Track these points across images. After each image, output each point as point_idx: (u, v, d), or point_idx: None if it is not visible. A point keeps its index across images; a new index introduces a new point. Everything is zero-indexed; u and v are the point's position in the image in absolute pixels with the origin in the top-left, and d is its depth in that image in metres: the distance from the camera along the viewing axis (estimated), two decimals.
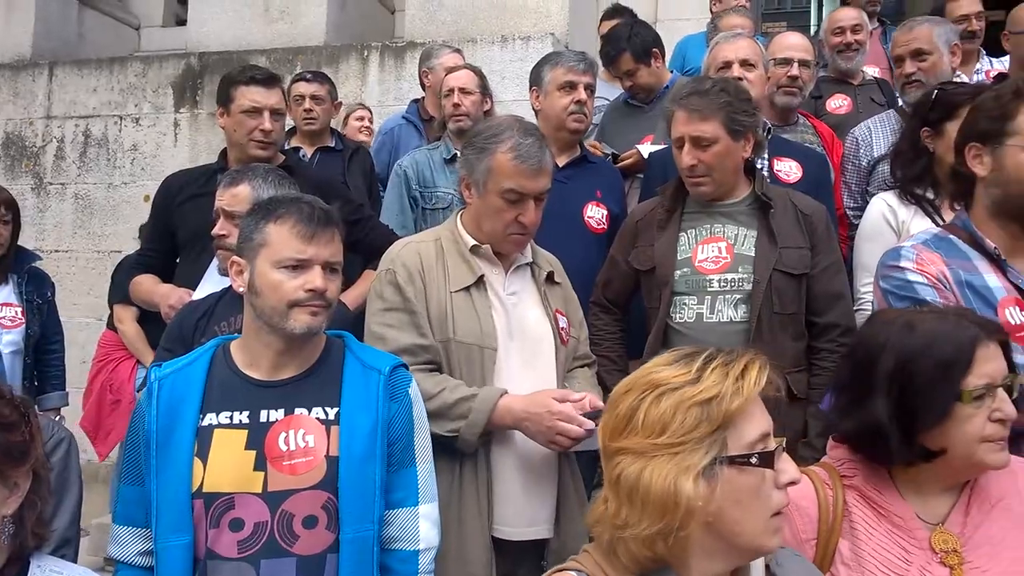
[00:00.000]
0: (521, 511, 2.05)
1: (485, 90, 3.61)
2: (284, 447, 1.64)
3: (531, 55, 4.47)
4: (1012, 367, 1.50)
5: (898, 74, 3.32)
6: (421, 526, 1.72)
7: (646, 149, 3.20)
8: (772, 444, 1.22)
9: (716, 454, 1.19)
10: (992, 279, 1.89)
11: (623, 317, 2.64)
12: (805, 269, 2.32)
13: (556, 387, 2.11)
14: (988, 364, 1.44)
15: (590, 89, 3.01)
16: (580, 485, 2.18)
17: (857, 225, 2.94)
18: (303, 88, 3.97)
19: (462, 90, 3.50)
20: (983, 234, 1.92)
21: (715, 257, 2.35)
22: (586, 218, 2.88)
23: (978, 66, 4.06)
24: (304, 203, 1.74)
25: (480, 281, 2.10)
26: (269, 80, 2.90)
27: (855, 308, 2.69)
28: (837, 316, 2.34)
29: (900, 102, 3.41)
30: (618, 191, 3.08)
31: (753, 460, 1.19)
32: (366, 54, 5.35)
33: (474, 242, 2.15)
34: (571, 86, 2.96)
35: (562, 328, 2.19)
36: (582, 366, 2.30)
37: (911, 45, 3.24)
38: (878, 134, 3.27)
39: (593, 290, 2.63)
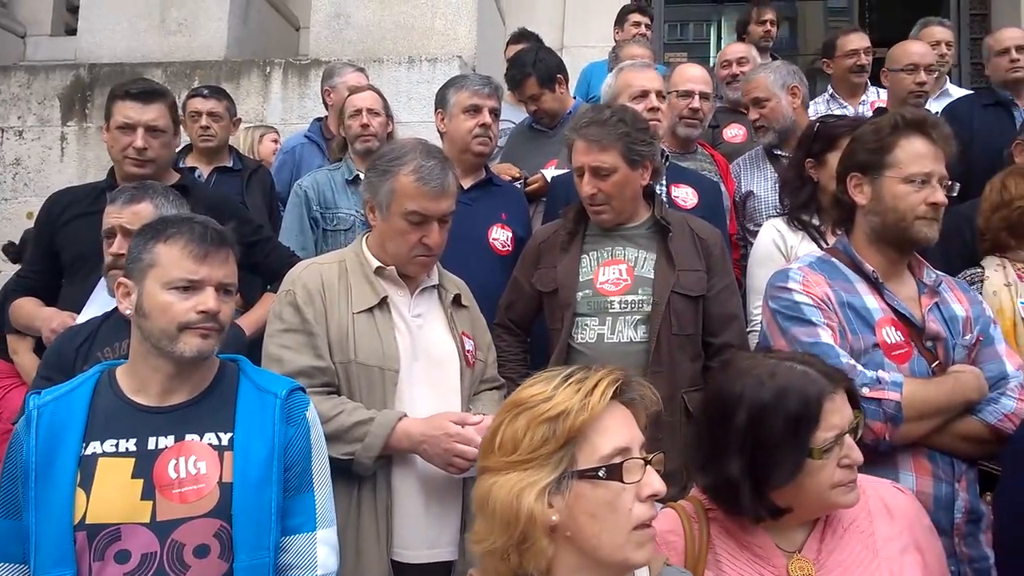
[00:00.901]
0: (422, 534, 2.03)
1: (387, 111, 3.59)
2: (174, 475, 1.59)
3: (438, 77, 4.47)
4: (855, 404, 1.56)
5: (750, 119, 3.55)
6: (319, 552, 1.69)
7: (550, 173, 3.26)
8: (636, 457, 1.25)
9: (565, 469, 1.23)
10: (871, 300, 2.00)
11: (526, 339, 2.67)
12: (702, 291, 2.40)
13: (460, 410, 2.11)
14: (835, 416, 1.47)
15: (495, 113, 3.04)
16: None
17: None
18: (199, 104, 3.83)
19: (370, 111, 3.47)
20: (863, 258, 2.04)
21: (616, 279, 2.40)
22: (491, 240, 2.91)
23: (864, 97, 4.33)
24: (196, 223, 1.71)
25: (384, 302, 2.09)
26: (146, 95, 2.76)
27: (748, 329, 2.82)
28: (731, 336, 2.43)
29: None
30: (523, 214, 3.12)
31: (601, 474, 1.22)
32: (268, 71, 5.24)
33: (378, 264, 2.14)
34: (476, 109, 2.99)
35: (468, 350, 2.19)
36: (490, 389, 2.30)
37: (751, 94, 3.47)
38: (747, 171, 3.48)
39: (496, 312, 2.65)
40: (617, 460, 1.24)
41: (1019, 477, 1.61)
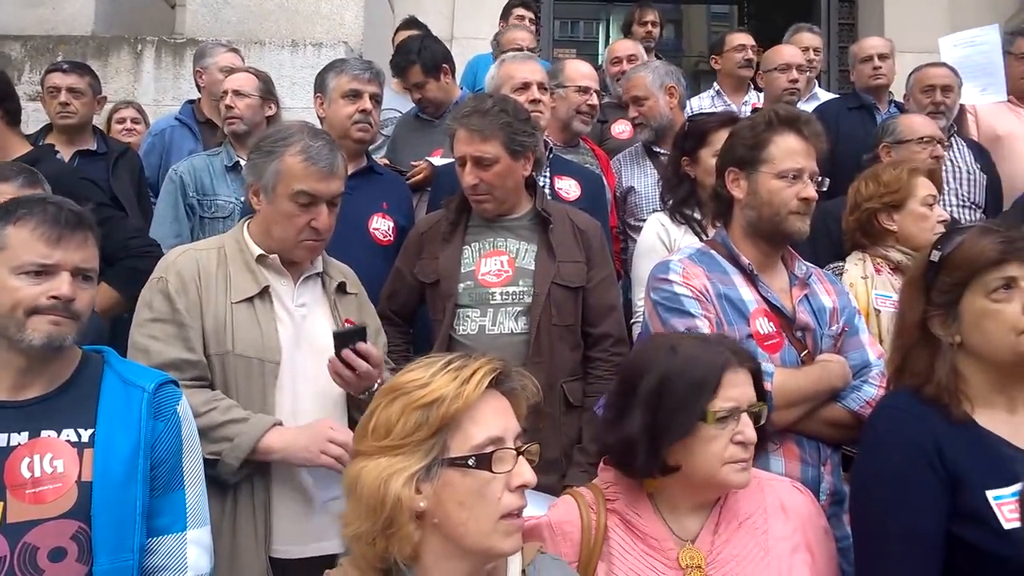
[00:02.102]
0: (303, 528, 1.96)
1: (269, 94, 3.45)
2: (28, 474, 1.50)
3: (323, 62, 4.27)
4: (762, 396, 1.62)
5: (629, 116, 3.63)
6: (190, 553, 1.62)
7: (436, 162, 3.20)
8: (508, 447, 1.25)
9: (436, 456, 1.23)
10: (746, 292, 2.05)
11: (408, 329, 2.62)
12: (582, 282, 2.41)
13: (343, 400, 2.05)
14: (734, 389, 1.53)
15: (376, 99, 2.96)
16: None
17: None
18: (58, 79, 3.56)
19: (236, 92, 3.34)
20: (739, 251, 2.09)
21: (497, 270, 2.39)
22: (371, 230, 2.83)
23: (746, 98, 4.49)
24: (50, 203, 1.59)
25: (265, 292, 1.99)
26: None
27: (632, 320, 2.86)
28: (610, 327, 2.45)
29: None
30: (406, 203, 3.06)
31: (471, 462, 1.23)
32: (140, 48, 4.94)
33: (260, 251, 2.04)
34: (356, 95, 2.90)
35: None
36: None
37: (630, 92, 3.58)
38: (627, 167, 3.56)
39: (379, 302, 2.57)
40: (489, 449, 1.25)
41: (866, 459, 1.69)
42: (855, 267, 2.53)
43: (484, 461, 1.23)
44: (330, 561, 1.97)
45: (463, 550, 1.25)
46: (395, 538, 1.23)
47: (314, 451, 1.88)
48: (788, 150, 2.03)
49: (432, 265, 2.44)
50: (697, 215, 2.81)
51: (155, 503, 1.59)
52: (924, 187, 2.55)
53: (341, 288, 2.16)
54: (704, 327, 1.95)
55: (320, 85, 2.99)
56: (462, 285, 2.38)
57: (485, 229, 2.46)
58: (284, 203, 2.00)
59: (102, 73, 4.10)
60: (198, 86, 4.02)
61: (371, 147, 3.15)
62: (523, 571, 1.35)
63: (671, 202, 2.90)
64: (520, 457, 1.27)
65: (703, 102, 4.35)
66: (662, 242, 2.81)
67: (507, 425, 1.29)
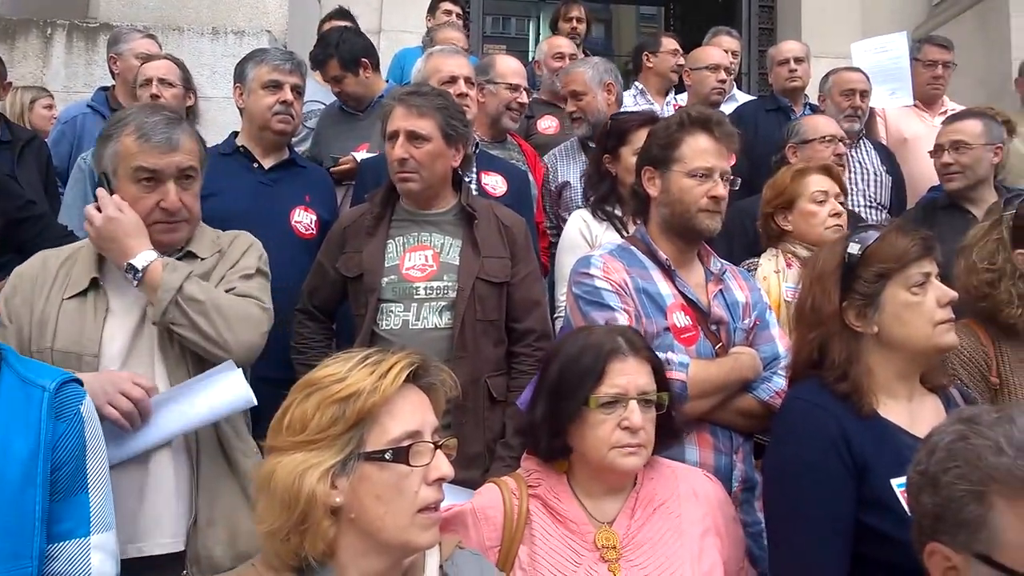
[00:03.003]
0: (132, 529, 1.83)
1: (188, 84, 3.34)
2: None
3: (245, 51, 4.17)
4: (665, 386, 1.70)
5: (567, 110, 3.66)
6: (93, 559, 1.54)
7: (361, 156, 3.17)
8: (425, 441, 1.26)
9: (352, 450, 1.23)
10: (664, 287, 2.11)
11: (330, 325, 2.59)
12: (506, 278, 2.42)
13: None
14: (621, 377, 1.62)
15: (297, 90, 2.91)
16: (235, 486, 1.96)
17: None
18: None
19: (162, 81, 3.22)
20: (657, 247, 2.14)
21: (421, 265, 2.38)
22: (293, 223, 2.79)
23: (669, 98, 4.58)
24: None
25: (95, 284, 1.91)
26: None
27: (555, 315, 2.89)
28: (534, 322, 2.46)
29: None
30: (329, 197, 3.02)
31: (387, 456, 1.23)
32: (49, 32, 4.72)
33: None
34: (276, 85, 2.85)
35: None
36: None
37: (569, 87, 3.62)
38: (562, 161, 3.59)
39: (300, 297, 2.54)
40: (406, 443, 1.25)
41: (778, 449, 1.75)
42: (768, 262, 2.63)
43: (401, 455, 1.24)
44: (173, 560, 1.87)
45: (380, 545, 1.25)
46: (309, 534, 1.22)
47: (101, 400, 1.73)
48: (699, 150, 2.09)
49: (355, 259, 2.41)
50: (618, 212, 2.87)
51: (56, 507, 1.51)
52: (813, 185, 2.64)
53: (190, 256, 2.02)
54: (623, 320, 2.00)
55: (239, 75, 2.92)
56: (386, 279, 2.36)
57: (410, 223, 2.44)
58: (128, 186, 1.92)
59: (8, 57, 3.90)
60: (112, 73, 3.86)
61: (294, 139, 3.10)
62: (440, 567, 1.36)
63: (593, 199, 2.95)
64: (438, 451, 1.28)
65: (626, 100, 4.41)
66: (584, 238, 2.85)
67: (424, 419, 1.29)
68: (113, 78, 3.86)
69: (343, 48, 3.47)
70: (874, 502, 1.55)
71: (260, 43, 4.48)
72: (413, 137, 2.37)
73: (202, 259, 2.02)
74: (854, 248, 1.72)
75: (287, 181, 2.83)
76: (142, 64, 3.36)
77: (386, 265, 2.38)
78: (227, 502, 1.90)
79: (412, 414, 1.28)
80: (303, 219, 2.80)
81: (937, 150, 3.19)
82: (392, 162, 2.41)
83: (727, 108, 4.41)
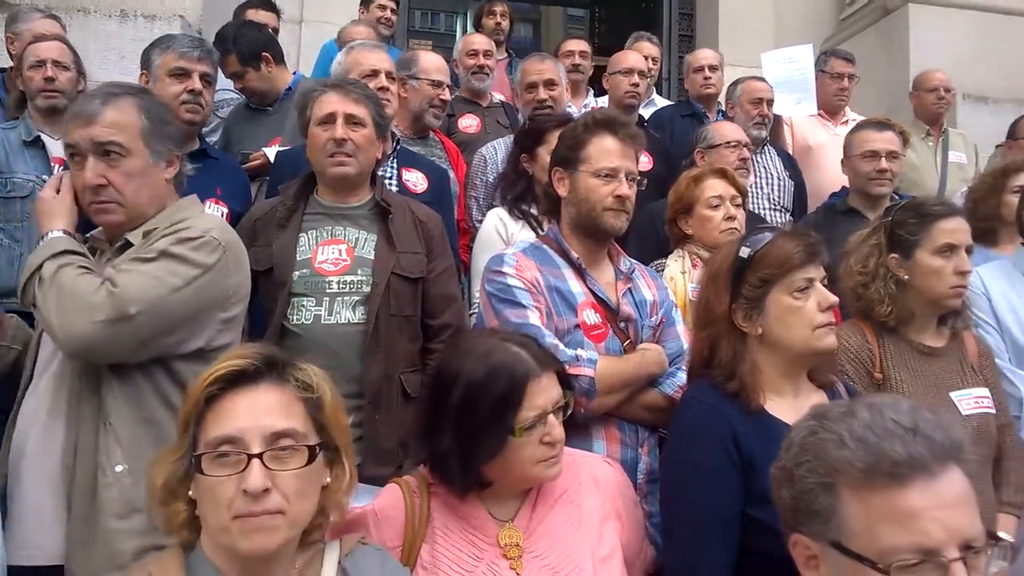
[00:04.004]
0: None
1: (80, 67, 3.20)
2: None
3: (156, 35, 4.03)
4: (569, 385, 1.70)
5: (530, 99, 3.67)
6: None
7: (272, 152, 3.12)
8: (251, 448, 1.23)
9: (187, 450, 1.28)
10: (575, 285, 2.15)
11: None
12: (421, 273, 2.43)
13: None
14: (539, 397, 1.57)
15: (207, 79, 2.83)
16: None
17: None
18: None
19: (56, 63, 3.08)
20: (568, 246, 2.19)
21: (335, 259, 2.36)
22: None
23: (586, 101, 4.66)
24: None
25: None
26: None
27: (471, 311, 2.92)
28: (450, 318, 2.49)
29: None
30: (241, 189, 2.96)
31: (195, 462, 1.26)
32: None
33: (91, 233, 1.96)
34: (183, 74, 2.77)
35: None
36: None
37: (544, 75, 3.66)
38: (502, 154, 3.59)
39: None
40: (223, 449, 1.24)
41: (672, 448, 1.83)
42: (675, 263, 2.72)
43: (207, 462, 1.24)
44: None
45: (221, 546, 1.27)
46: (174, 524, 1.28)
47: None
48: (604, 150, 2.14)
49: (266, 252, 2.37)
50: (534, 211, 2.91)
51: None
52: (709, 190, 2.73)
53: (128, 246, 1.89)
54: (535, 318, 2.04)
55: (145, 61, 2.83)
56: (297, 273, 2.33)
57: (323, 217, 2.42)
58: (71, 163, 1.89)
59: None
60: (10, 54, 3.67)
61: (205, 129, 3.02)
62: (339, 562, 1.36)
63: (509, 197, 2.98)
64: (253, 461, 1.23)
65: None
66: (500, 236, 2.88)
67: (252, 424, 1.25)
68: (11, 59, 3.67)
69: (241, 43, 3.39)
70: (760, 496, 1.61)
71: (172, 28, 4.35)
72: (351, 121, 2.37)
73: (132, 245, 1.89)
74: (744, 252, 1.79)
75: (197, 173, 2.75)
76: (30, 44, 3.17)
77: (298, 258, 2.35)
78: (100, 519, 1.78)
79: (233, 420, 1.25)
80: (214, 212, 2.71)
81: (873, 156, 3.30)
82: (325, 143, 2.37)
83: (646, 112, 4.53)
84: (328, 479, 1.35)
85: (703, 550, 1.65)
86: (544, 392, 1.58)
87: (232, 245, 1.93)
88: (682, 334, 2.23)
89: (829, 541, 1.13)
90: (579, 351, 2.04)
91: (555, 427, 1.59)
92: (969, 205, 3.21)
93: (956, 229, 2.20)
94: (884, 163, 3.30)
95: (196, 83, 2.76)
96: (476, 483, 1.60)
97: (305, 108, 2.43)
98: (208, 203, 2.72)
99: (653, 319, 2.23)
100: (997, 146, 4.54)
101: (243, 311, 1.99)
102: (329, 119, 2.38)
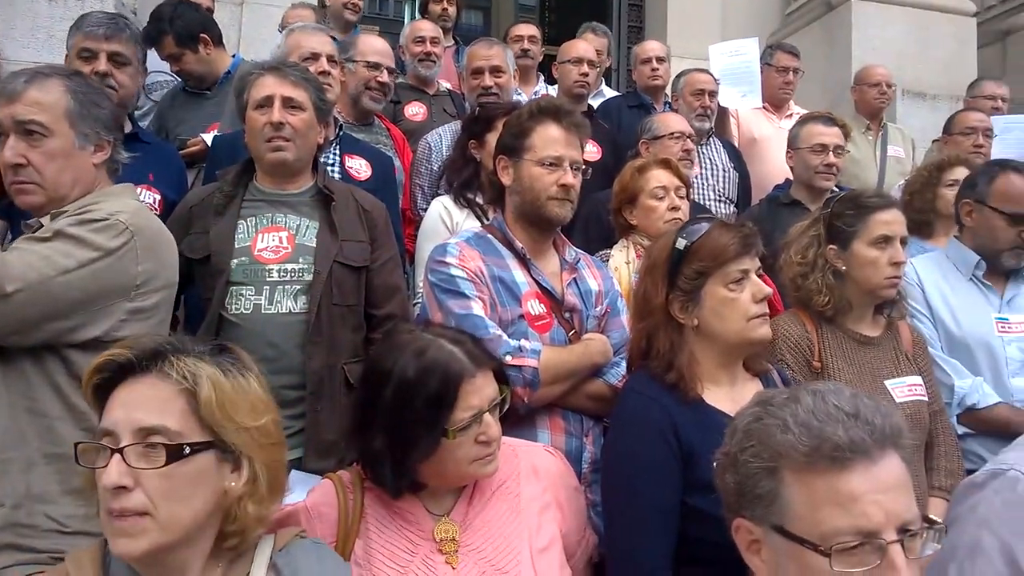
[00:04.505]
0: None
1: None
2: None
3: None
4: (506, 380, 1.67)
5: (475, 85, 3.63)
6: None
7: (211, 137, 3.03)
8: (120, 442, 1.19)
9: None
10: (519, 275, 2.14)
11: (175, 309, 2.45)
12: (365, 262, 2.39)
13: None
14: (474, 397, 1.53)
15: (118, 59, 2.66)
16: None
17: None
18: None
19: None
20: (513, 235, 2.17)
21: (275, 247, 2.30)
22: None
23: (536, 88, 4.64)
24: None
25: None
26: None
27: (414, 301, 2.88)
28: (394, 308, 2.45)
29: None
30: (175, 175, 2.87)
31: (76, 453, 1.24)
32: None
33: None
34: (89, 55, 2.63)
35: None
36: None
37: (492, 61, 3.61)
38: (448, 141, 3.55)
39: None
40: (107, 442, 1.21)
41: (613, 439, 1.84)
42: (620, 253, 2.72)
43: (87, 452, 1.22)
44: None
45: None
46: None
47: None
48: (548, 139, 2.13)
49: (202, 240, 2.29)
50: (480, 199, 2.88)
51: None
52: (653, 180, 2.74)
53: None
54: (478, 308, 2.02)
55: (68, 42, 2.71)
56: (235, 261, 2.27)
57: (263, 204, 2.36)
58: None
59: None
60: None
61: (138, 112, 2.92)
62: (271, 558, 1.32)
63: (455, 184, 2.95)
64: (114, 456, 1.18)
65: None
66: (445, 224, 2.85)
67: (124, 418, 1.21)
68: None
69: (178, 24, 3.28)
70: (699, 485, 1.64)
71: (105, 7, 4.16)
72: (289, 104, 2.31)
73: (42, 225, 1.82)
74: (680, 243, 1.81)
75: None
76: None
77: (237, 246, 2.28)
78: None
79: (111, 412, 1.22)
80: (145, 198, 2.62)
81: (822, 150, 3.36)
82: (262, 128, 2.31)
83: (595, 102, 4.53)
84: (232, 483, 1.26)
85: (643, 539, 1.66)
86: (479, 392, 1.55)
87: (144, 231, 1.84)
88: (627, 324, 2.24)
89: (771, 525, 1.15)
90: (523, 341, 2.03)
91: (491, 426, 1.56)
92: (905, 198, 3.29)
93: (892, 221, 2.25)
94: (832, 157, 3.37)
95: (102, 64, 2.61)
96: (409, 485, 1.57)
97: (242, 92, 2.36)
98: (140, 189, 2.61)
99: (598, 309, 2.23)
100: (934, 141, 4.66)
101: (160, 303, 1.90)
102: (266, 102, 2.31)
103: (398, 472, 1.55)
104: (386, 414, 1.53)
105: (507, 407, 1.64)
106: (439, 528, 1.58)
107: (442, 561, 1.55)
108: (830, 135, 3.40)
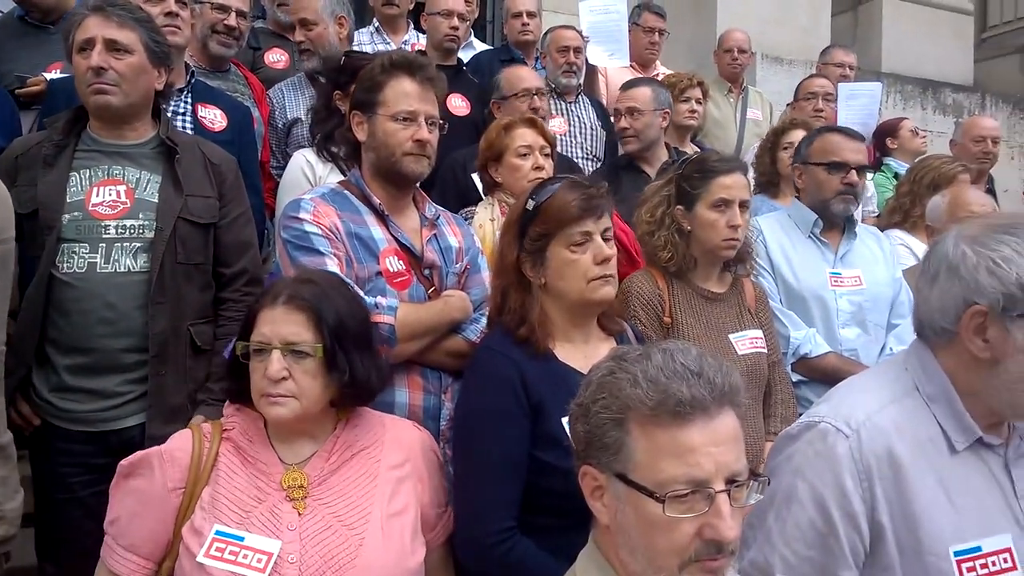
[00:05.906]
0: None
1: None
2: None
3: None
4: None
5: (295, 40, 3.49)
6: None
7: (53, 77, 2.79)
8: None
9: None
10: (377, 232, 2.10)
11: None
12: (213, 219, 2.28)
13: None
14: (266, 326, 1.62)
15: None
16: None
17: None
18: None
19: None
20: (371, 191, 2.12)
21: (112, 201, 2.16)
22: None
23: (406, 37, 4.51)
24: None
25: None
26: None
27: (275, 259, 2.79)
28: (245, 264, 2.36)
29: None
30: (7, 118, 2.65)
31: None
32: None
33: None
34: None
35: None
36: None
37: (299, 15, 3.48)
38: (290, 96, 3.44)
39: None
40: None
41: (464, 394, 1.87)
42: (484, 210, 2.73)
43: None
44: None
45: None
46: None
47: None
48: (402, 93, 2.09)
49: (29, 193, 2.12)
50: (343, 152, 2.80)
51: None
52: (518, 139, 2.76)
53: None
54: (333, 265, 1.97)
55: None
56: (67, 216, 2.12)
57: (99, 155, 2.20)
58: None
59: None
60: None
61: None
62: None
63: (319, 136, 2.85)
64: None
65: (362, 37, 4.30)
66: (307, 178, 2.76)
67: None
68: None
69: None
70: (547, 438, 1.69)
71: None
72: (114, 47, 2.15)
73: None
74: (530, 204, 1.83)
75: None
76: None
77: (68, 200, 2.13)
78: None
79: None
80: None
81: (615, 115, 3.47)
82: (84, 73, 2.15)
83: (465, 56, 4.47)
84: None
85: (489, 491, 1.70)
86: (272, 324, 1.62)
87: None
88: (487, 281, 2.25)
89: (615, 472, 1.20)
90: (379, 298, 2.00)
91: (273, 364, 1.60)
92: (754, 161, 3.47)
93: (732, 185, 2.36)
94: (624, 122, 3.52)
95: None
96: (235, 391, 1.70)
97: (69, 34, 2.18)
98: None
99: (458, 266, 2.23)
100: (787, 104, 4.91)
101: None
102: (87, 45, 2.16)
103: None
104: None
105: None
106: (287, 476, 1.62)
107: (289, 508, 1.59)
108: (622, 99, 3.56)
